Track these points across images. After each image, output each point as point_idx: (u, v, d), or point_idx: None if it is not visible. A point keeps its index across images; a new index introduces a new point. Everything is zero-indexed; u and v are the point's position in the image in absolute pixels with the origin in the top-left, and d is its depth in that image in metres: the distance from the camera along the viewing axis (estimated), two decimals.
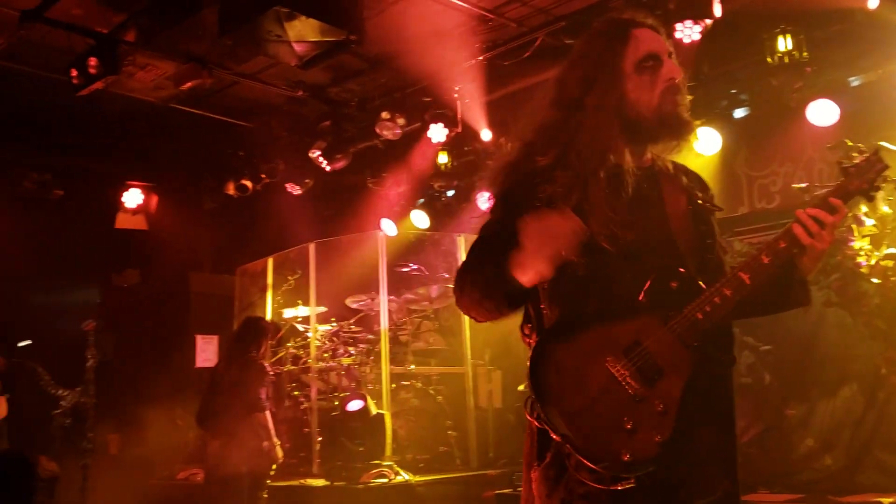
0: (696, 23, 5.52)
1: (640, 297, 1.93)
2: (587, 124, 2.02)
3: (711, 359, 1.92)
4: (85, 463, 4.99)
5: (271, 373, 6.32)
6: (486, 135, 7.37)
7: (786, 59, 5.86)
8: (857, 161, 2.03)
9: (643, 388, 1.86)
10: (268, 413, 5.68)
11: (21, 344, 6.05)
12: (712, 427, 1.93)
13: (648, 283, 1.93)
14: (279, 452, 5.68)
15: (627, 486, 1.81)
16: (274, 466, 5.75)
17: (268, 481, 5.87)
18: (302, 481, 6.73)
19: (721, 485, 1.93)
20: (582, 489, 1.84)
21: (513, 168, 2.08)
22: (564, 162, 1.99)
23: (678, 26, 5.54)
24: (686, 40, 5.58)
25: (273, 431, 5.67)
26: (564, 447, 1.85)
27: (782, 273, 2.00)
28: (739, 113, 6.75)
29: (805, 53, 5.83)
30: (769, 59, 5.90)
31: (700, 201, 2.09)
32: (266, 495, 5.74)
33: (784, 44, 5.84)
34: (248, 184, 8.69)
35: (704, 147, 6.67)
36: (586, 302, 1.95)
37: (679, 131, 2.06)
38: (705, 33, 5.60)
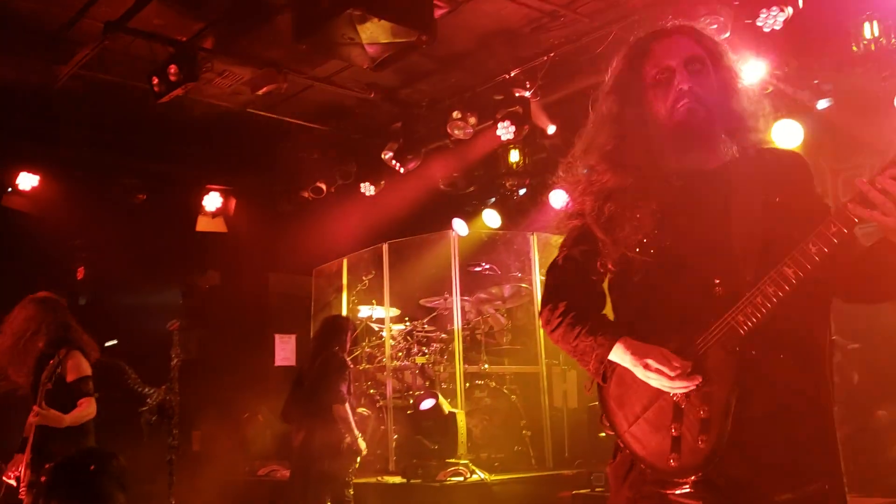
0: (781, 10, 5.35)
1: (683, 307, 1.95)
2: (629, 137, 2.09)
3: (757, 361, 1.87)
4: (170, 458, 5.13)
5: (352, 367, 6.47)
6: (553, 131, 7.29)
7: (872, 47, 5.63)
8: None
9: (686, 396, 1.91)
10: (348, 407, 5.77)
11: (108, 344, 6.26)
12: (771, 428, 1.88)
13: (690, 291, 1.95)
14: (362, 445, 5.76)
15: (684, 491, 1.88)
16: (358, 459, 5.82)
17: (352, 476, 5.97)
18: (379, 478, 6.80)
19: (802, 483, 1.86)
20: (646, 489, 1.94)
21: (579, 195, 2.16)
22: (615, 173, 2.07)
23: (762, 13, 5.38)
24: (767, 29, 5.42)
25: (354, 425, 5.75)
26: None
27: (871, 260, 1.89)
28: (823, 104, 6.52)
29: (894, 40, 5.60)
30: (854, 48, 5.68)
31: (778, 199, 1.97)
32: (352, 492, 5.81)
33: (870, 30, 5.61)
34: (323, 186, 8.83)
35: (786, 140, 6.48)
36: (637, 315, 2.04)
37: (690, 137, 2.03)
38: (788, 22, 5.44)
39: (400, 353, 7.96)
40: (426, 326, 8.11)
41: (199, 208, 9.10)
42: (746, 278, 1.89)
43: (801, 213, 1.97)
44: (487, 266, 8.08)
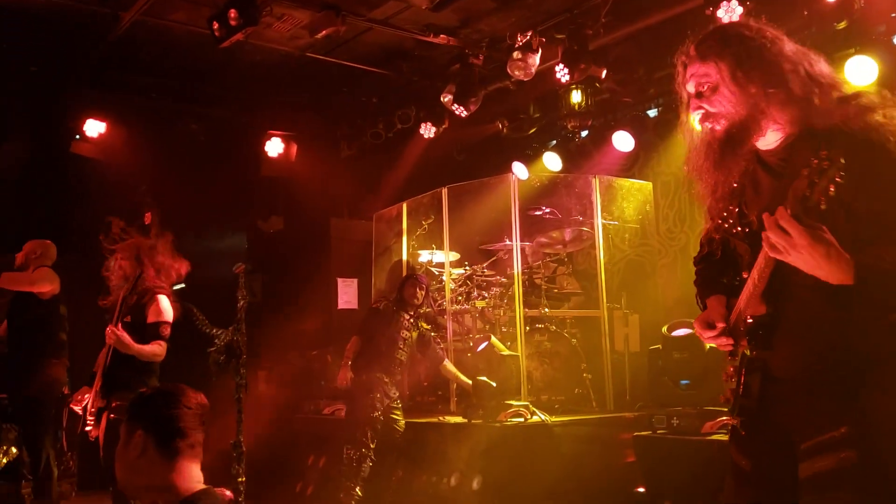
0: None
1: (744, 275, 2.26)
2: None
3: (757, 341, 2.21)
4: (238, 397, 5.27)
5: (409, 317, 6.61)
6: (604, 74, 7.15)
7: None
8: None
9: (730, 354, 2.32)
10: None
11: (175, 287, 6.41)
12: (780, 391, 2.18)
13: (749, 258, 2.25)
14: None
15: (733, 423, 2.28)
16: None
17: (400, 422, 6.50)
18: (440, 418, 6.91)
19: (829, 428, 2.06)
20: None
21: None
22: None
23: None
24: None
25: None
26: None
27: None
28: None
29: None
30: None
31: (808, 192, 1.92)
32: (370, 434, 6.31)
33: None
34: (382, 131, 8.83)
35: (859, 77, 6.21)
36: (720, 280, 2.45)
37: (724, 144, 2.24)
38: None
39: (460, 297, 8.00)
40: (486, 271, 8.11)
41: (261, 154, 9.20)
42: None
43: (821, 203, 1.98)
44: (548, 210, 8.00)
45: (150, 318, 5.13)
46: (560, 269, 8.36)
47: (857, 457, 2.00)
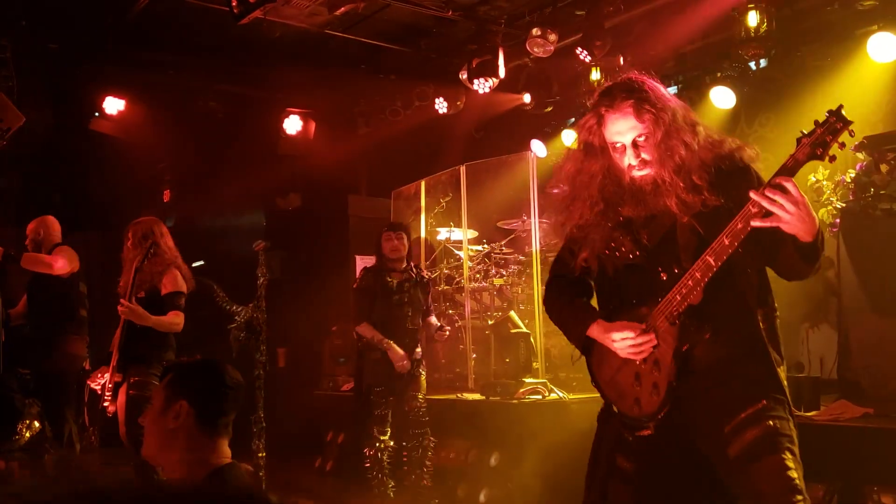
0: None
1: (638, 294, 2.58)
2: (602, 179, 2.69)
3: (691, 329, 2.46)
4: (258, 373, 5.32)
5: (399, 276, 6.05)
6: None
7: None
8: (814, 128, 2.29)
9: (643, 361, 2.55)
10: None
11: (195, 265, 6.44)
12: (710, 377, 2.47)
13: (643, 281, 2.55)
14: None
15: (646, 433, 2.52)
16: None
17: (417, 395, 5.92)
18: (459, 395, 6.94)
19: (743, 408, 2.40)
20: (621, 431, 2.60)
21: (561, 218, 2.83)
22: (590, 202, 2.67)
23: None
24: None
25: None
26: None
27: (775, 246, 2.42)
28: None
29: None
30: None
31: (710, 205, 2.46)
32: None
33: None
34: (401, 108, 8.80)
35: (882, 54, 6.12)
36: (609, 302, 2.72)
37: (643, 191, 2.57)
38: None
39: (478, 275, 8.01)
40: (504, 248, 8.11)
41: (280, 131, 9.20)
42: (684, 266, 2.46)
43: (721, 213, 2.44)
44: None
45: (165, 290, 5.16)
46: None
47: (778, 423, 2.38)
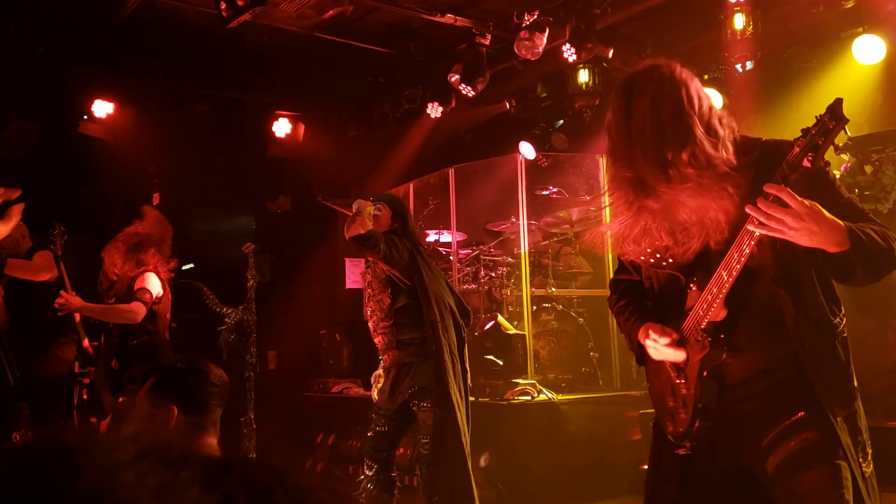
0: None
1: (676, 304, 2.42)
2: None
3: (710, 350, 2.30)
4: (248, 375, 5.34)
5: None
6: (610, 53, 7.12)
7: None
8: (809, 128, 2.08)
9: (676, 374, 2.41)
10: None
11: (185, 267, 6.45)
12: (744, 392, 2.32)
13: (679, 291, 2.41)
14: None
15: (684, 452, 2.39)
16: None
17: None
18: None
19: (780, 420, 2.23)
20: (670, 447, 2.45)
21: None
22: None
23: None
24: None
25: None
26: None
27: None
28: None
29: None
30: None
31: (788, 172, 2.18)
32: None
33: None
34: (389, 110, 8.82)
35: (867, 56, 6.19)
36: (656, 312, 2.52)
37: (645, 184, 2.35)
38: None
39: (467, 277, 8.04)
40: (493, 250, 8.14)
41: (269, 135, 9.21)
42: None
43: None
44: (555, 189, 8.01)
45: (135, 287, 5.18)
46: (566, 249, 8.38)
47: (818, 436, 2.18)
